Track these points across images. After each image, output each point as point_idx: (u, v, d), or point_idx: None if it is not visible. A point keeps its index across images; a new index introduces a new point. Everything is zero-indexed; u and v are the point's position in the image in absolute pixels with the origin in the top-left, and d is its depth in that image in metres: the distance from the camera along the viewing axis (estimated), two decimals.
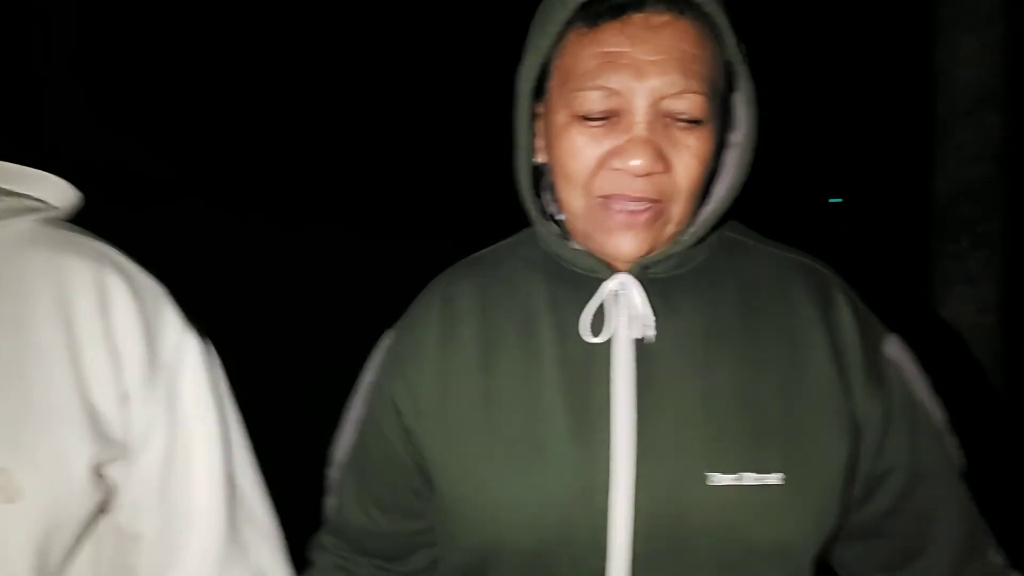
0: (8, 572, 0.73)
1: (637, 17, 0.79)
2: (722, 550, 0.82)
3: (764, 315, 0.88)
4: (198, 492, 0.85)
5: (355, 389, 1.01)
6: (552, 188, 0.90)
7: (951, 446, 0.93)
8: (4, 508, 0.72)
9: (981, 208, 2.65)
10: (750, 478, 0.81)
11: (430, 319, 0.94)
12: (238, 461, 0.90)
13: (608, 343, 0.85)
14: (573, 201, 0.85)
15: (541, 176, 0.93)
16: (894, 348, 0.91)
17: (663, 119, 0.80)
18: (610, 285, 0.86)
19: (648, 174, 0.80)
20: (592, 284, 0.88)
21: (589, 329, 0.86)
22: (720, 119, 0.84)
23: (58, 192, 0.85)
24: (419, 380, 0.91)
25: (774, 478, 0.81)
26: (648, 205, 0.82)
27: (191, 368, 0.86)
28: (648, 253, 0.86)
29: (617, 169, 0.81)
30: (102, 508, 0.82)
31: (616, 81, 0.79)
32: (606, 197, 0.83)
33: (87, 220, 0.87)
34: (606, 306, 0.86)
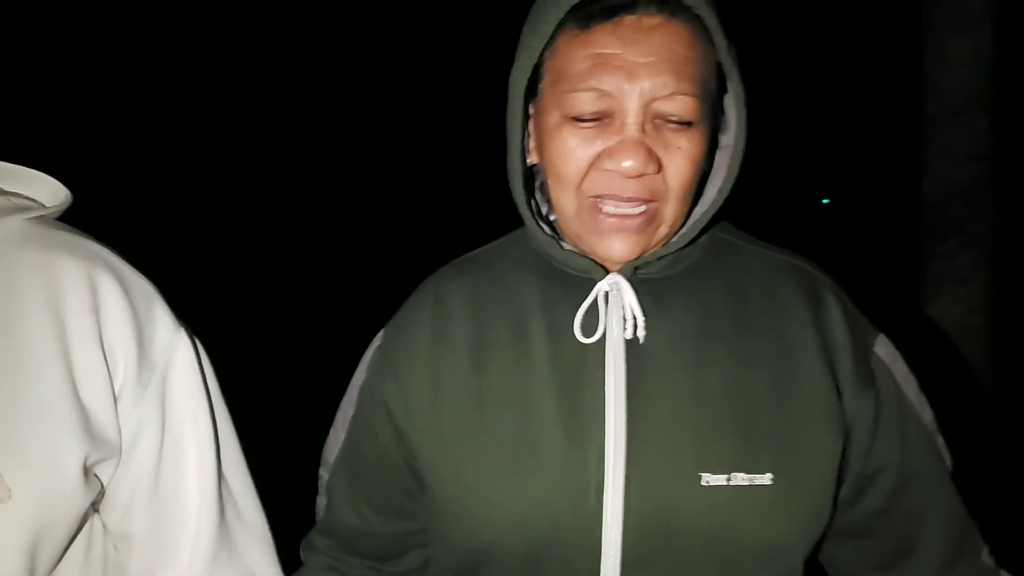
0: None
1: (629, 19, 0.79)
2: (713, 550, 0.82)
3: (755, 315, 0.88)
4: (189, 492, 0.85)
5: (346, 389, 1.01)
6: (544, 189, 0.90)
7: (941, 446, 0.93)
8: None
9: (970, 209, 2.66)
10: (741, 478, 0.81)
11: (422, 319, 0.94)
12: (229, 461, 0.89)
13: (600, 343, 0.86)
14: (565, 202, 0.85)
15: (534, 177, 0.93)
16: (884, 348, 0.91)
17: (655, 120, 0.80)
18: (602, 285, 0.87)
19: (640, 175, 0.80)
20: (584, 284, 0.88)
21: (581, 329, 0.86)
22: (712, 121, 0.85)
23: (49, 191, 0.85)
24: (410, 380, 0.91)
25: (765, 478, 0.82)
26: (641, 209, 0.83)
27: (182, 368, 0.85)
28: (640, 255, 0.86)
29: (609, 170, 0.81)
30: (93, 508, 0.82)
31: (608, 82, 0.79)
32: (597, 197, 0.83)
33: (81, 219, 0.87)
34: (598, 306, 0.87)
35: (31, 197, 0.84)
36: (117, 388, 0.80)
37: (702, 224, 0.88)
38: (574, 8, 0.80)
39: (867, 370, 0.88)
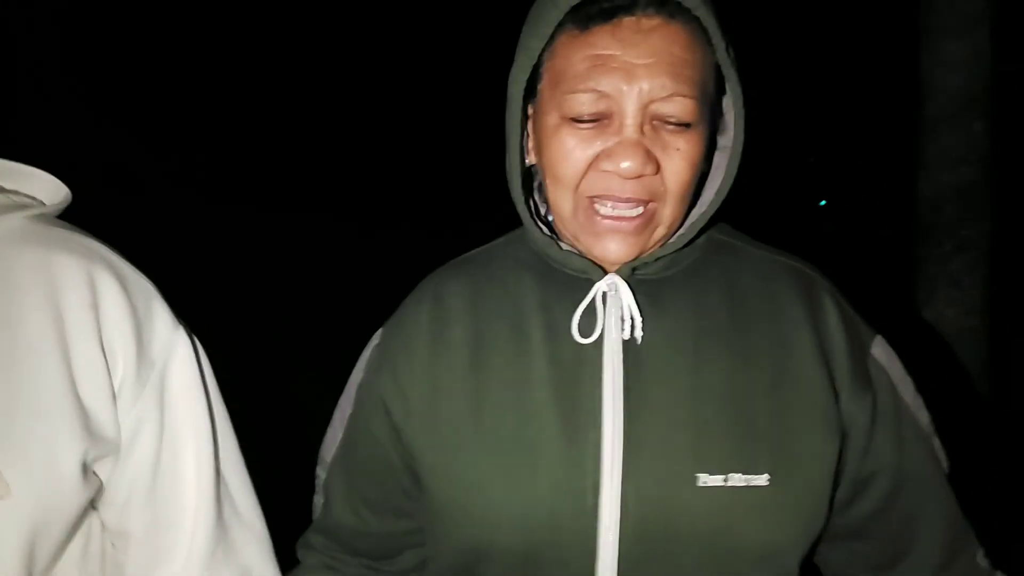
0: None
1: (628, 20, 0.79)
2: (710, 551, 0.82)
3: (752, 317, 0.88)
4: (186, 489, 0.85)
5: (344, 386, 1.01)
6: (543, 189, 0.90)
7: (937, 448, 0.94)
8: None
9: (966, 211, 2.67)
10: (738, 479, 0.82)
11: (420, 318, 0.94)
12: (227, 459, 0.89)
13: (598, 344, 0.86)
14: (562, 203, 0.86)
15: (532, 177, 0.93)
16: (881, 350, 0.92)
17: (653, 122, 0.81)
18: (600, 286, 0.87)
19: (638, 176, 0.80)
20: (582, 285, 0.88)
21: (579, 329, 0.86)
22: (710, 122, 0.85)
23: (48, 188, 0.85)
24: (409, 379, 0.91)
25: (762, 479, 0.82)
26: (638, 211, 0.83)
27: (181, 366, 0.85)
28: (637, 257, 0.86)
29: (607, 171, 0.81)
30: (91, 505, 0.82)
31: (606, 84, 0.79)
32: (594, 197, 0.83)
33: (79, 216, 0.87)
34: (596, 307, 0.87)
35: (30, 195, 0.84)
36: (116, 386, 0.80)
37: (700, 225, 0.89)
38: (573, 9, 0.80)
39: (864, 372, 0.89)
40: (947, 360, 2.68)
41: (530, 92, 0.87)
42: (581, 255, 0.88)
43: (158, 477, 0.84)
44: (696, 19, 0.81)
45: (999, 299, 2.78)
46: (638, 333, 0.85)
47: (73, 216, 0.87)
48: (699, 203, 0.90)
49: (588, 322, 0.87)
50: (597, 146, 0.81)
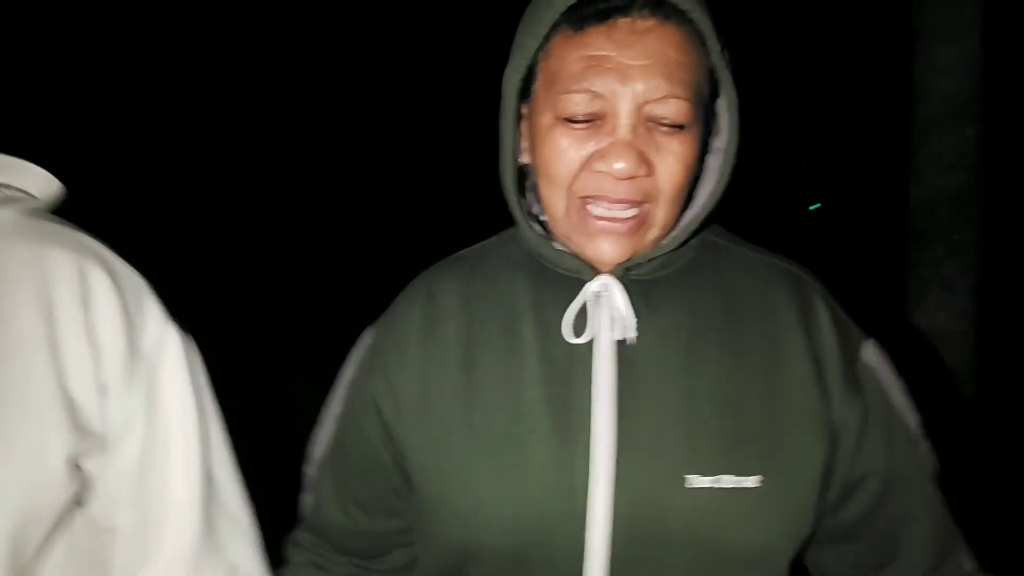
0: None
1: (623, 21, 0.79)
2: (699, 552, 0.82)
3: (744, 319, 0.88)
4: (175, 486, 0.85)
5: (335, 385, 1.01)
6: (536, 189, 0.90)
7: (926, 452, 0.94)
8: None
9: (957, 216, 2.69)
10: (728, 480, 0.82)
11: (412, 317, 0.94)
12: (216, 456, 0.89)
13: (590, 344, 0.86)
14: (555, 203, 0.86)
15: (526, 176, 0.93)
16: (871, 354, 0.92)
17: (647, 123, 0.81)
18: (592, 286, 0.87)
19: (631, 177, 0.80)
20: (575, 285, 0.88)
21: (571, 330, 0.87)
22: (704, 124, 0.85)
23: (40, 182, 0.84)
24: (400, 378, 0.91)
25: (752, 481, 0.82)
26: (631, 213, 0.83)
27: (171, 362, 0.85)
28: (630, 258, 0.86)
29: (600, 171, 0.81)
30: (78, 501, 0.82)
31: (601, 84, 0.79)
32: (587, 198, 0.83)
33: (73, 212, 0.87)
34: (588, 307, 0.87)
35: (22, 188, 0.84)
36: (105, 381, 0.80)
37: (693, 227, 0.89)
38: (568, 10, 0.80)
39: (854, 375, 0.89)
40: (937, 363, 2.70)
41: (524, 92, 0.87)
42: (574, 255, 0.88)
43: (146, 473, 0.84)
44: (691, 21, 0.81)
45: (989, 303, 2.80)
46: (630, 334, 0.85)
47: (68, 213, 0.87)
48: (692, 205, 0.90)
49: (581, 322, 0.87)
50: (591, 146, 0.81)
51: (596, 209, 0.83)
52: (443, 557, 0.89)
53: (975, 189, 2.69)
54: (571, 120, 0.81)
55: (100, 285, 0.80)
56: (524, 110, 0.89)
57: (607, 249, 0.84)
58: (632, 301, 0.86)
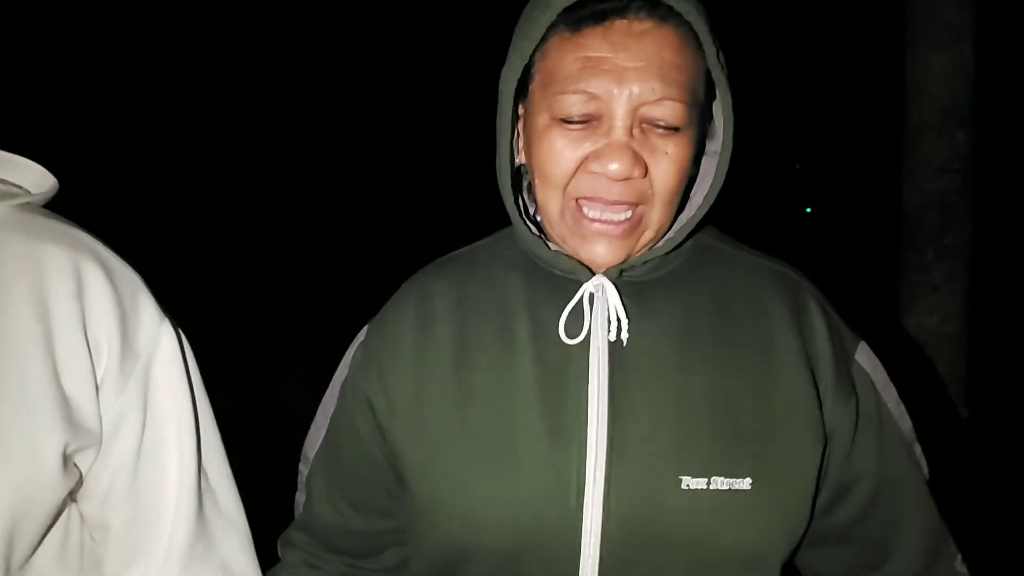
0: None
1: (620, 23, 0.80)
2: (692, 553, 0.82)
3: (738, 320, 0.89)
4: (168, 483, 0.85)
5: (329, 380, 1.01)
6: (532, 189, 0.91)
7: (918, 454, 0.94)
8: None
9: (948, 220, 2.70)
10: (721, 482, 0.82)
11: (406, 316, 0.94)
12: (209, 453, 0.89)
13: (584, 344, 0.86)
14: (551, 203, 0.86)
15: (522, 177, 0.94)
16: (865, 356, 0.92)
17: (642, 125, 0.81)
18: (587, 287, 0.87)
19: (626, 179, 0.81)
20: (569, 285, 0.89)
21: (565, 330, 0.87)
22: (699, 126, 0.85)
23: (35, 178, 0.84)
24: (394, 378, 0.91)
25: (745, 483, 0.82)
26: (625, 216, 0.83)
27: (166, 358, 0.85)
28: (624, 260, 0.87)
29: (595, 172, 0.81)
30: (71, 497, 0.82)
31: (597, 86, 0.79)
32: (581, 199, 0.83)
33: (70, 208, 0.87)
34: (583, 307, 0.87)
35: (17, 184, 0.84)
36: (99, 377, 0.80)
37: (688, 229, 0.89)
38: (565, 11, 0.81)
39: (848, 377, 0.89)
40: (927, 367, 2.71)
41: (521, 92, 0.87)
42: (569, 256, 0.89)
43: (139, 470, 0.84)
44: (687, 24, 0.81)
45: (980, 307, 2.81)
46: (624, 335, 0.85)
47: (64, 208, 0.87)
48: (687, 207, 0.90)
49: (575, 323, 0.87)
50: (586, 147, 0.82)
51: (591, 212, 0.83)
52: (436, 557, 0.89)
53: (966, 193, 2.70)
54: (567, 121, 0.81)
55: (95, 281, 0.80)
56: (520, 110, 0.89)
57: (601, 252, 0.85)
58: (626, 303, 0.86)
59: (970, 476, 2.57)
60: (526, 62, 0.84)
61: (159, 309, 0.86)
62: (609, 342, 0.86)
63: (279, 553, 1.04)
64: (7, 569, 0.74)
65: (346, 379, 0.97)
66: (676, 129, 0.81)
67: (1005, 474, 3.20)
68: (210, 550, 0.87)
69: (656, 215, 0.85)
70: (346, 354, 0.99)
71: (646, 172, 0.81)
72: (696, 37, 0.82)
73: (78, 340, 0.78)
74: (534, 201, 0.91)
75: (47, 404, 0.75)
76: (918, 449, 0.95)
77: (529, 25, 0.83)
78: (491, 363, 0.88)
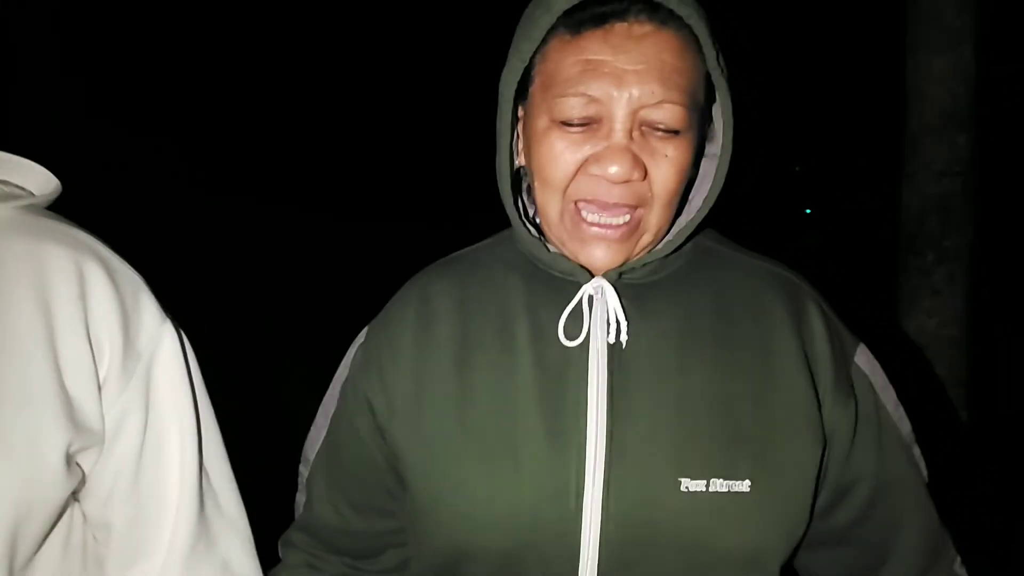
0: None
1: (620, 26, 0.80)
2: (691, 555, 0.83)
3: (738, 323, 0.89)
4: (169, 483, 0.85)
5: (329, 383, 1.01)
6: (531, 191, 0.91)
7: (917, 457, 0.94)
8: None
9: (948, 223, 2.70)
10: (720, 484, 0.82)
11: (406, 318, 0.94)
12: (210, 453, 0.89)
13: (584, 346, 0.86)
14: (550, 206, 0.86)
15: (521, 179, 0.94)
16: (864, 359, 0.92)
17: (642, 128, 0.81)
18: (587, 289, 0.87)
19: (625, 181, 0.81)
20: (569, 287, 0.89)
21: (564, 332, 0.87)
22: (699, 129, 0.85)
23: (38, 179, 0.85)
24: (394, 379, 0.91)
25: (743, 485, 0.82)
26: (624, 219, 0.83)
27: (167, 359, 0.85)
28: (623, 263, 0.87)
29: (595, 175, 0.82)
30: (74, 496, 0.82)
31: (597, 89, 0.79)
32: (580, 202, 0.84)
33: (66, 207, 0.87)
34: (582, 309, 0.87)
35: (20, 185, 0.84)
36: (102, 377, 0.80)
37: (688, 232, 0.89)
38: (566, 13, 0.81)
39: (847, 380, 0.89)
40: (927, 370, 2.71)
41: (521, 94, 0.87)
42: (568, 258, 0.89)
43: (141, 470, 0.84)
44: (688, 27, 0.81)
45: (980, 310, 2.81)
46: (623, 337, 0.86)
47: (66, 209, 0.87)
48: (686, 210, 0.91)
49: (574, 325, 0.87)
50: (586, 150, 0.82)
51: (589, 215, 0.84)
52: (436, 557, 0.89)
53: (966, 196, 2.70)
54: (567, 124, 0.82)
55: (97, 282, 0.81)
56: (520, 112, 0.89)
57: (600, 255, 0.85)
58: (625, 305, 0.87)
59: (970, 479, 2.57)
60: (526, 64, 0.84)
61: (161, 309, 0.86)
62: (608, 344, 0.86)
63: (280, 554, 1.04)
64: (10, 569, 0.75)
65: (346, 380, 0.98)
66: (676, 132, 0.81)
67: (1005, 477, 3.20)
68: (211, 550, 0.87)
69: (655, 218, 0.85)
70: (346, 355, 0.99)
71: (645, 175, 0.82)
72: (696, 40, 0.82)
73: (80, 340, 0.78)
74: (533, 203, 0.91)
75: (50, 404, 0.75)
76: (917, 451, 0.95)
77: (529, 27, 0.83)
78: (491, 364, 0.88)
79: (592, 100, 0.80)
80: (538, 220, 0.92)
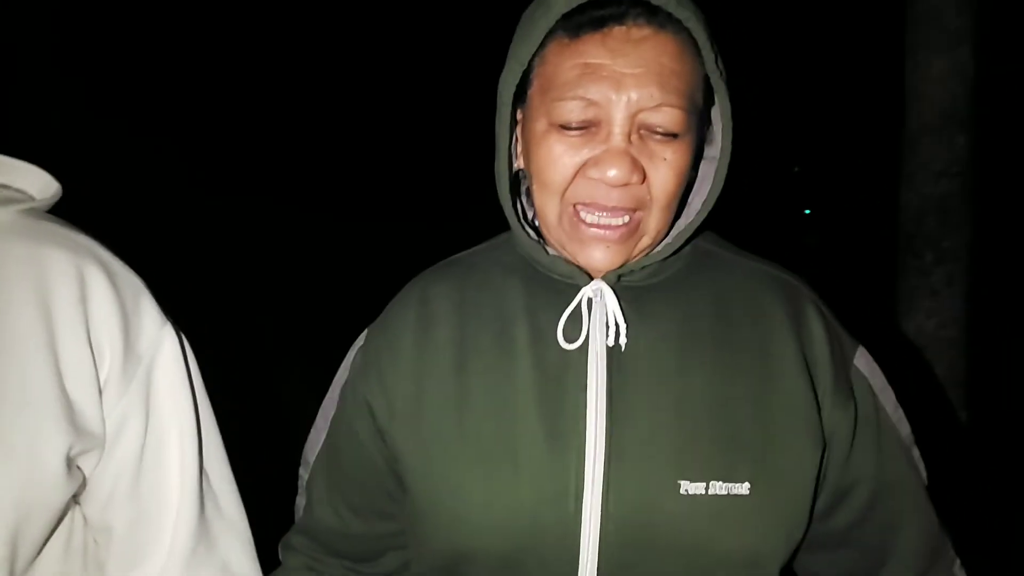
0: None
1: (618, 30, 0.80)
2: (690, 558, 0.83)
3: (737, 325, 0.89)
4: (170, 486, 0.85)
5: (329, 384, 1.01)
6: (530, 194, 0.91)
7: (917, 458, 0.94)
8: None
9: (946, 223, 2.70)
10: (719, 487, 0.82)
11: (406, 320, 0.94)
12: (211, 456, 0.90)
13: (583, 349, 0.86)
14: (549, 209, 0.86)
15: (520, 181, 0.94)
16: (863, 361, 0.92)
17: (640, 131, 0.81)
18: (586, 291, 0.87)
19: (624, 185, 0.81)
20: (568, 290, 0.89)
21: (564, 335, 0.87)
22: (698, 132, 0.85)
23: (39, 183, 0.85)
24: (394, 382, 0.91)
25: (743, 487, 0.82)
26: (623, 220, 0.83)
27: (168, 362, 0.86)
28: (622, 265, 0.87)
29: (593, 178, 0.82)
30: (74, 499, 0.82)
31: (595, 92, 0.79)
32: (579, 204, 0.84)
33: (66, 210, 0.87)
34: (581, 312, 0.87)
35: (21, 189, 0.84)
36: (102, 380, 0.80)
37: (687, 235, 0.89)
38: (564, 17, 0.81)
39: (846, 382, 0.89)
40: (926, 370, 2.71)
41: (520, 97, 0.87)
42: (567, 260, 0.89)
43: (142, 473, 0.84)
44: (686, 30, 0.81)
45: (978, 310, 2.81)
46: (622, 339, 0.86)
47: (67, 213, 0.87)
48: (685, 212, 0.91)
49: (573, 327, 0.87)
50: (584, 153, 0.82)
51: (588, 216, 0.84)
52: (436, 560, 0.89)
53: (964, 197, 2.70)
54: (565, 127, 0.82)
55: (98, 285, 0.81)
56: (519, 115, 0.89)
57: (599, 257, 0.85)
58: (624, 307, 0.87)
59: (969, 480, 2.57)
60: (525, 67, 0.84)
61: (161, 312, 0.86)
62: (608, 347, 0.86)
63: (280, 557, 1.04)
64: (11, 571, 0.75)
65: (346, 383, 0.98)
66: (674, 135, 0.81)
67: (1004, 478, 3.20)
68: (211, 552, 0.88)
69: (654, 221, 0.85)
70: (346, 357, 0.99)
71: (644, 178, 0.82)
72: (695, 43, 0.82)
73: (81, 343, 0.79)
74: (532, 206, 0.91)
75: (50, 407, 0.76)
76: (917, 453, 0.95)
77: (528, 30, 0.83)
78: (490, 367, 0.88)
79: (591, 103, 0.80)
80: (537, 223, 0.92)
